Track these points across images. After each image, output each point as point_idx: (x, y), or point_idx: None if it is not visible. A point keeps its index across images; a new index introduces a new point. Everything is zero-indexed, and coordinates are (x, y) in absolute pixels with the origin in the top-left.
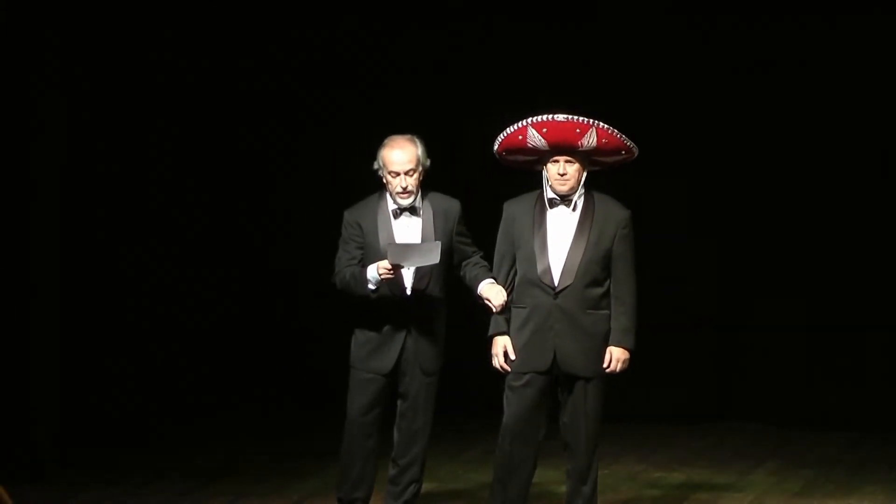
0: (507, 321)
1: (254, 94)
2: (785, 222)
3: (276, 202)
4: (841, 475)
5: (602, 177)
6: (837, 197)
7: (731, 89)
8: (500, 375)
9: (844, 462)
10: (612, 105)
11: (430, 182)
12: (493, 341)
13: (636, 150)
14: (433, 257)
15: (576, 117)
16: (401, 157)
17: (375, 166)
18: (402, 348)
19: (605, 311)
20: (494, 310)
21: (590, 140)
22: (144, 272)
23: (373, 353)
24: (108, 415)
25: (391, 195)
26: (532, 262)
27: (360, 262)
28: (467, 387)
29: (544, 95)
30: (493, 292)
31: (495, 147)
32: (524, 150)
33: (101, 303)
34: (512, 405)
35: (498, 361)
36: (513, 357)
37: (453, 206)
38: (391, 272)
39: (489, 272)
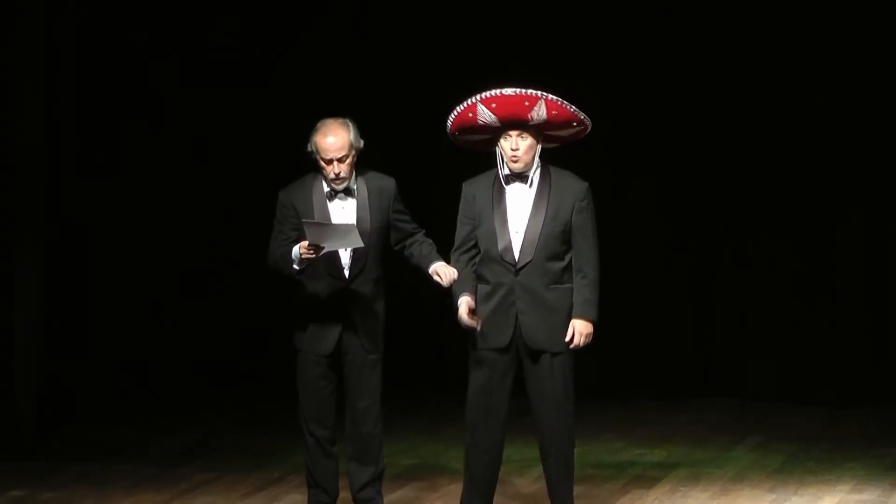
0: (472, 285)
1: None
2: (763, 198)
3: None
4: (821, 451)
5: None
6: (822, 180)
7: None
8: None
9: (825, 438)
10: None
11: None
12: (459, 304)
13: (589, 123)
14: (354, 240)
15: (524, 90)
16: (333, 143)
17: (309, 149)
18: (342, 329)
19: (568, 286)
20: (444, 285)
21: (539, 112)
22: (127, 250)
23: (314, 336)
24: (89, 392)
25: (325, 180)
26: (493, 239)
27: (294, 242)
28: (447, 365)
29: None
30: (444, 270)
31: (448, 127)
32: (476, 127)
33: (82, 281)
34: (473, 381)
35: (464, 321)
36: (473, 304)
37: (388, 183)
38: (311, 252)
39: (436, 251)
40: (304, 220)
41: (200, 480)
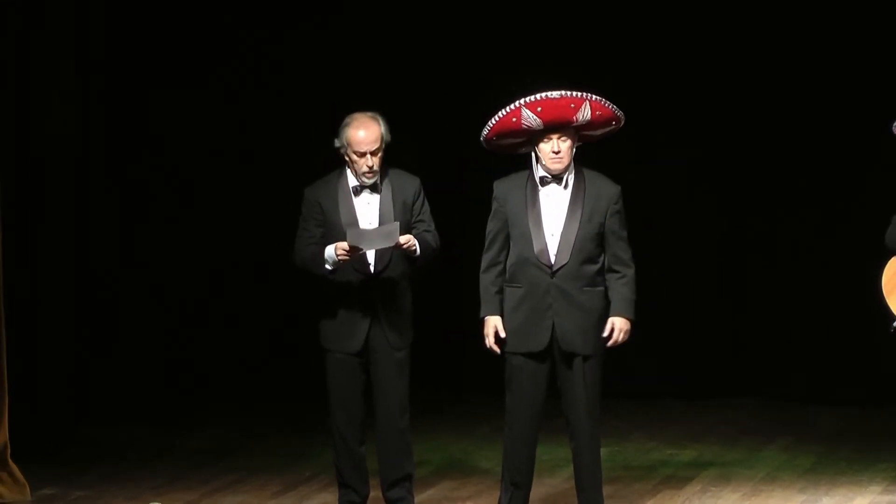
0: (500, 302)
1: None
2: (792, 200)
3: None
4: (852, 452)
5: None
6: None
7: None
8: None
9: (856, 438)
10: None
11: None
12: (485, 322)
13: (623, 119)
14: (393, 239)
15: (568, 92)
16: (366, 136)
17: (337, 143)
18: (370, 326)
19: (601, 288)
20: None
21: (584, 114)
22: (155, 249)
23: (341, 334)
24: (119, 390)
25: (355, 174)
26: (528, 241)
27: (321, 238)
28: (478, 364)
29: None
30: (404, 238)
31: (485, 133)
32: (517, 131)
33: (113, 279)
34: (511, 385)
35: (488, 342)
36: (503, 334)
37: (413, 181)
38: (348, 254)
39: (425, 235)
40: (348, 227)
41: (230, 480)
